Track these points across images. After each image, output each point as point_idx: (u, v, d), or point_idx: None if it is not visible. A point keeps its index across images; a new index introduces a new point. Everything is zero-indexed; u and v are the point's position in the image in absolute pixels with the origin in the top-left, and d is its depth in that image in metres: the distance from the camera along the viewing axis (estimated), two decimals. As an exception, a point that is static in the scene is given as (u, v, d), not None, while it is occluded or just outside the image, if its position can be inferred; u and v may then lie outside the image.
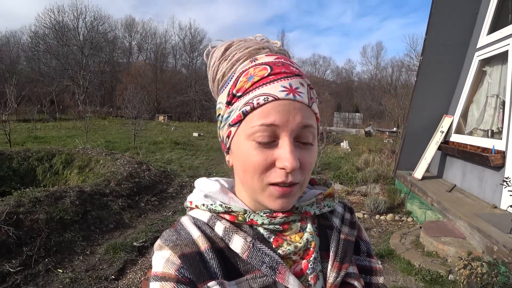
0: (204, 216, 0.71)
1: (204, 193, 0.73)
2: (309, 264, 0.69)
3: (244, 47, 0.70)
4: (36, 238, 4.21)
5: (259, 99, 0.62)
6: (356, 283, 0.72)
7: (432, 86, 7.03)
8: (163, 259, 0.64)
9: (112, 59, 48.58)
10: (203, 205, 0.72)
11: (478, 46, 6.17)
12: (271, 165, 0.63)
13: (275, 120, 0.61)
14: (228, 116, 0.67)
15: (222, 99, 0.70)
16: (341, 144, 16.36)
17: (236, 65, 0.69)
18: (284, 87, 0.63)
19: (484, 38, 6.02)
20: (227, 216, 0.69)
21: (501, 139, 5.22)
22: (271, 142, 0.63)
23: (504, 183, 3.14)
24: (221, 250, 0.66)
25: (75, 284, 3.67)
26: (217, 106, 0.72)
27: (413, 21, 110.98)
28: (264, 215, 0.69)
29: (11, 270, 3.66)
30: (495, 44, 5.56)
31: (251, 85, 0.64)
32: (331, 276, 0.70)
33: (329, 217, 0.79)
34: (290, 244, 0.69)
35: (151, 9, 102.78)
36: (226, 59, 0.70)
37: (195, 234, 0.67)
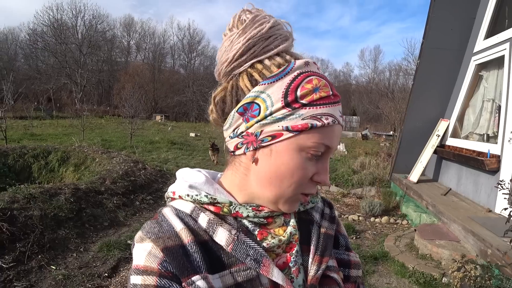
0: (187, 207, 0.69)
1: (189, 183, 0.71)
2: (291, 257, 0.70)
3: (284, 37, 0.68)
4: (29, 235, 4.18)
5: (328, 119, 0.63)
6: (335, 276, 0.72)
7: (429, 90, 7.06)
8: (144, 252, 0.62)
9: (110, 58, 48.58)
10: (188, 195, 0.70)
11: (474, 50, 6.19)
12: (310, 178, 0.66)
13: (333, 144, 0.66)
14: (284, 118, 0.63)
15: (277, 94, 0.63)
16: (338, 146, 16.38)
17: (270, 52, 0.66)
18: (340, 112, 0.67)
19: (480, 43, 6.04)
20: (211, 208, 0.68)
21: (496, 143, 5.24)
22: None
23: (499, 186, 3.15)
24: (205, 242, 0.65)
25: (67, 281, 3.65)
26: (256, 94, 0.64)
27: (411, 25, 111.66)
28: (250, 207, 0.69)
29: (4, 265, 3.64)
30: (492, 48, 5.59)
31: (319, 99, 0.63)
32: (312, 269, 0.70)
33: (310, 212, 0.79)
34: (274, 238, 0.69)
35: (150, 8, 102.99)
36: (267, 39, 0.66)
37: (178, 226, 0.65)
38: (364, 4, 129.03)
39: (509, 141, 4.90)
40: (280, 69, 0.64)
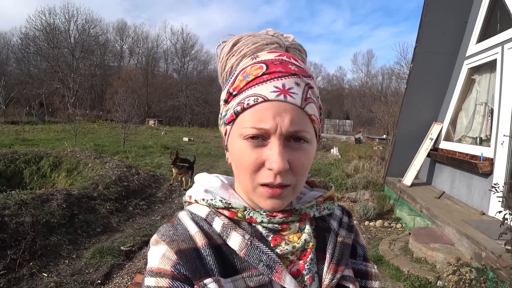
0: (203, 211, 0.70)
1: (205, 188, 0.73)
2: (305, 265, 0.69)
3: (252, 42, 0.70)
4: (21, 241, 4.13)
5: (249, 99, 0.62)
6: (351, 286, 0.71)
7: (422, 94, 7.10)
8: (159, 254, 0.64)
9: (103, 62, 48.29)
10: (203, 199, 0.71)
11: (467, 54, 6.24)
12: (261, 165, 0.63)
13: (264, 125, 0.61)
14: (225, 115, 0.68)
15: (222, 96, 0.70)
16: (331, 150, 16.42)
17: (242, 61, 0.70)
18: (276, 87, 0.62)
19: (473, 46, 6.09)
20: (226, 212, 0.69)
21: (489, 146, 5.27)
22: (262, 142, 0.62)
23: (493, 189, 3.16)
24: (218, 246, 0.65)
25: (60, 288, 3.60)
26: (220, 103, 0.72)
27: (404, 30, 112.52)
28: (264, 213, 0.68)
29: (-5, 273, 3.59)
30: (484, 52, 5.63)
31: (245, 84, 0.64)
32: (326, 278, 0.69)
33: (327, 220, 0.78)
34: (288, 244, 0.68)
35: (143, 13, 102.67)
36: (233, 55, 0.71)
37: (193, 229, 0.66)
38: (357, 9, 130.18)
39: (502, 144, 4.93)
40: (230, 75, 0.70)
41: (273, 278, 0.63)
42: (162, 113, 42.86)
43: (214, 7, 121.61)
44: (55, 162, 8.36)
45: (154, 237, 0.67)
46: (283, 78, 0.63)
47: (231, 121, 0.66)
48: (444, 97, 6.96)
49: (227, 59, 0.71)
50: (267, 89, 0.61)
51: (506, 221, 3.00)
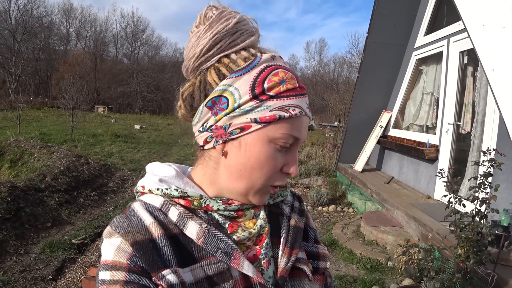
0: (157, 201, 0.68)
1: (159, 177, 0.71)
2: (261, 250, 0.70)
3: (250, 32, 0.69)
4: (-37, 236, 3.89)
5: (295, 110, 0.65)
6: (305, 268, 0.73)
7: (373, 83, 7.35)
8: (113, 246, 0.62)
9: (48, 46, 45.86)
10: (158, 189, 0.69)
11: (415, 46, 6.51)
12: (280, 169, 0.68)
13: (301, 136, 0.67)
14: (252, 110, 0.64)
15: (244, 86, 0.64)
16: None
17: (237, 47, 0.66)
18: (307, 103, 0.68)
19: (421, 38, 6.36)
20: (182, 201, 0.68)
21: (435, 134, 5.57)
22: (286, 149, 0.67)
23: (439, 174, 3.35)
24: (175, 236, 0.64)
25: (7, 286, 3.42)
26: (224, 88, 0.65)
27: (355, 20, 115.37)
28: (220, 201, 0.69)
29: None
30: (431, 44, 5.90)
31: (285, 91, 0.65)
32: (282, 261, 0.71)
33: (280, 205, 0.80)
34: (244, 230, 0.69)
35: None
36: (233, 34, 0.66)
37: (148, 220, 0.64)
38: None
39: (446, 131, 5.22)
40: (247, 63, 0.65)
41: (231, 264, 0.63)
42: (112, 100, 41.51)
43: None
44: (-3, 152, 7.91)
45: (107, 229, 0.65)
46: (306, 96, 0.69)
47: (267, 122, 0.64)
48: (394, 86, 7.24)
49: (225, 35, 0.66)
50: (303, 104, 0.67)
51: (451, 204, 3.19)
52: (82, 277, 3.67)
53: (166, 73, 45.20)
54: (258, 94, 0.63)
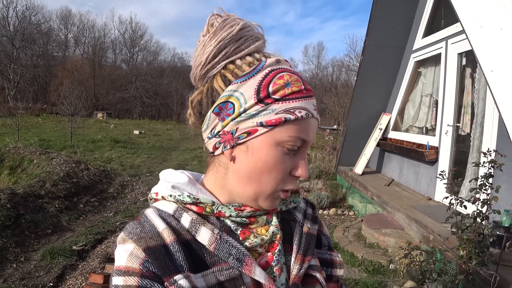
0: (170, 207, 0.69)
1: (172, 184, 0.71)
2: (274, 257, 0.70)
3: (255, 38, 0.70)
4: (-37, 244, 3.88)
5: (301, 112, 0.64)
6: (318, 275, 0.73)
7: (372, 86, 7.36)
8: (126, 252, 0.62)
9: (46, 52, 45.89)
10: (170, 196, 0.70)
11: (414, 48, 6.53)
12: (289, 173, 0.67)
13: (309, 138, 0.67)
14: (257, 114, 0.64)
15: (249, 91, 0.64)
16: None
17: (241, 53, 0.67)
18: (314, 106, 0.68)
19: (419, 41, 6.38)
20: (194, 208, 0.68)
21: (434, 135, 5.58)
22: (294, 152, 0.67)
23: (440, 176, 3.35)
24: (187, 242, 0.65)
25: (9, 293, 3.42)
26: (230, 93, 0.65)
27: (353, 23, 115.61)
28: (232, 207, 0.69)
29: None
30: (430, 46, 5.91)
31: (291, 94, 0.64)
32: (294, 268, 0.71)
33: (292, 212, 0.80)
34: (256, 237, 0.69)
35: (89, 1, 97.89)
36: (238, 40, 0.67)
37: (160, 226, 0.65)
38: (308, 1, 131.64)
39: (446, 133, 5.23)
40: (252, 68, 0.65)
41: (243, 271, 0.63)
42: (110, 106, 41.52)
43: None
44: (-4, 159, 7.90)
45: (121, 235, 0.66)
46: (313, 98, 0.69)
47: (273, 125, 0.64)
48: (392, 88, 7.26)
49: (229, 42, 0.67)
50: (310, 106, 0.66)
51: (452, 206, 3.19)
52: (83, 284, 3.66)
53: (165, 78, 45.25)
54: (263, 98, 0.63)
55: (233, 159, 0.67)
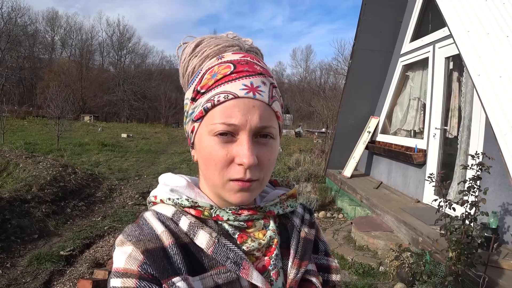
0: (169, 211, 0.70)
1: (170, 188, 0.73)
2: (271, 261, 0.71)
3: (214, 44, 0.70)
4: None
5: (219, 96, 0.63)
6: (314, 280, 0.74)
7: (360, 89, 7.42)
8: (125, 254, 0.62)
9: (33, 54, 45.18)
10: (169, 199, 0.71)
11: (402, 52, 6.60)
12: (231, 161, 0.64)
13: (234, 120, 0.63)
14: (192, 112, 0.68)
15: (188, 95, 0.71)
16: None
17: (205, 62, 0.70)
18: (245, 85, 0.64)
19: (407, 45, 6.45)
20: (192, 211, 0.69)
21: (422, 138, 5.64)
22: (231, 139, 0.64)
23: (429, 179, 3.39)
24: (186, 245, 0.65)
25: (-5, 299, 3.36)
26: (184, 102, 0.73)
27: (341, 27, 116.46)
28: (230, 211, 0.69)
29: None
30: (417, 51, 5.99)
31: (214, 83, 0.65)
32: (291, 272, 0.71)
33: (290, 217, 0.81)
34: (254, 241, 0.70)
35: (77, 2, 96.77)
36: (196, 56, 0.71)
37: (159, 229, 0.65)
38: (296, 5, 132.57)
39: (433, 136, 5.29)
40: (195, 73, 0.71)
41: (240, 274, 0.64)
42: (98, 109, 41.06)
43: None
44: (-19, 162, 7.75)
45: (119, 237, 0.66)
46: (250, 77, 0.65)
47: (200, 118, 0.66)
48: (381, 92, 7.33)
49: (190, 59, 0.72)
50: (236, 86, 0.64)
51: (441, 208, 3.23)
52: (72, 290, 3.61)
53: (153, 81, 44.95)
54: (194, 97, 0.69)
55: (195, 159, 0.73)
